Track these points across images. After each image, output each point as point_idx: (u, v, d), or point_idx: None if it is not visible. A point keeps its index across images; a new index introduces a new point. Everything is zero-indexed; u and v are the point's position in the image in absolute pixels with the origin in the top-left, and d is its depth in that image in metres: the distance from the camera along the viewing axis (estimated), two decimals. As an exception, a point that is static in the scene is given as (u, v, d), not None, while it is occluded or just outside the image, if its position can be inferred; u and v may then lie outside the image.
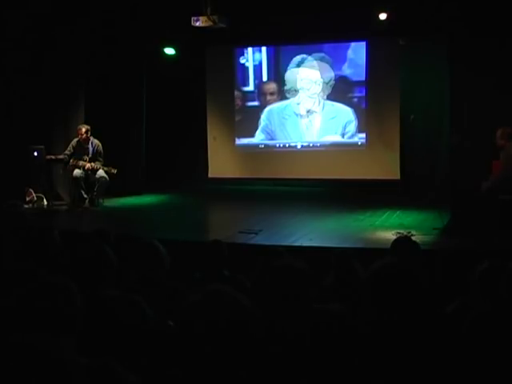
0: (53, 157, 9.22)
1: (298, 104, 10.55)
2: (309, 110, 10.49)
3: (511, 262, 2.74)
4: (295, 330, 2.14)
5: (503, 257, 2.92)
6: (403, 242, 4.06)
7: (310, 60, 10.39)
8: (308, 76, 10.43)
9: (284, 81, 10.59)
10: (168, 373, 1.82)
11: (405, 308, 2.26)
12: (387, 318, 2.25)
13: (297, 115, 10.57)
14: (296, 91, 10.52)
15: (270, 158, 10.67)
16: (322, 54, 10.34)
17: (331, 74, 10.28)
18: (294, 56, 10.50)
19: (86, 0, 8.66)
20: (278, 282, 2.50)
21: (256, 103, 10.82)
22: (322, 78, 10.34)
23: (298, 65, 10.50)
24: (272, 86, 10.69)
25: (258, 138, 10.80)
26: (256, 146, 10.87)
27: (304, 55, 10.46)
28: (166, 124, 10.78)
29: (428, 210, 7.78)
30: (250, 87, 10.85)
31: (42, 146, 9.17)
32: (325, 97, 10.35)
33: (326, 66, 10.31)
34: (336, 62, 10.25)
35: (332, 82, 10.29)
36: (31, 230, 4.05)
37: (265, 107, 10.76)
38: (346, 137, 10.29)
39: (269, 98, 10.72)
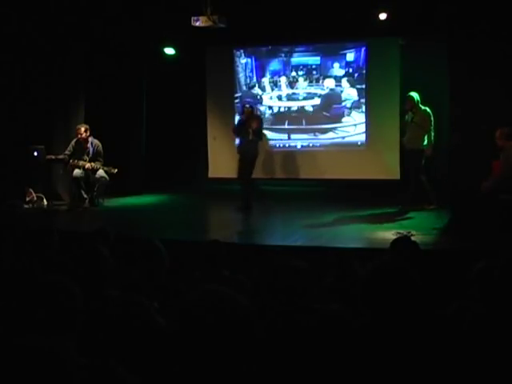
0: (53, 157, 9.22)
1: (298, 103, 10.54)
2: (309, 110, 10.49)
3: (503, 260, 2.74)
4: (295, 330, 2.14)
5: (502, 256, 2.92)
6: (403, 241, 4.07)
7: (310, 60, 10.39)
8: (308, 76, 10.43)
9: (284, 81, 10.58)
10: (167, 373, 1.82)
11: (399, 307, 2.26)
12: (381, 317, 2.25)
13: (297, 115, 10.57)
14: (296, 90, 10.52)
15: (269, 158, 10.66)
16: (322, 55, 10.34)
17: (331, 75, 10.29)
18: (294, 56, 10.50)
19: (86, 0, 8.66)
20: (278, 282, 2.51)
21: (256, 103, 10.79)
22: (322, 78, 10.33)
23: (298, 65, 10.51)
24: (272, 87, 10.68)
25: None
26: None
27: (304, 55, 10.46)
28: (165, 124, 10.78)
29: (428, 210, 7.79)
30: (250, 87, 10.84)
31: (42, 146, 9.18)
32: (325, 97, 10.35)
33: (326, 67, 10.32)
34: (336, 62, 10.25)
35: (332, 82, 10.29)
36: (31, 230, 4.05)
37: (265, 107, 10.75)
38: (345, 137, 10.29)
39: (269, 98, 10.72)
